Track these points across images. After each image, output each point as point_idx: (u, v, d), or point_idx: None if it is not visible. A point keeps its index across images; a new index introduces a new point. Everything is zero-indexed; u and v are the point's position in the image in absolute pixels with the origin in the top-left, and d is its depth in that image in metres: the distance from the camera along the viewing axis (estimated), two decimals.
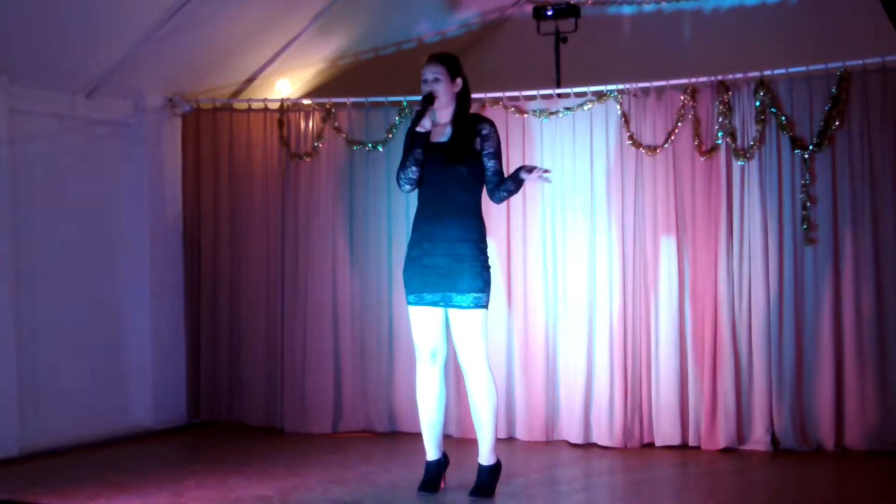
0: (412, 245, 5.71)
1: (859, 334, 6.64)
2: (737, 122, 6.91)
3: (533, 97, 7.43)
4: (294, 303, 7.75)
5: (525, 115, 7.38)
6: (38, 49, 6.72)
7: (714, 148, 6.95)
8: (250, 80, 8.16)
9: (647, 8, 8.64)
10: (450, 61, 5.69)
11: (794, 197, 6.79)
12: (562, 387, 7.26)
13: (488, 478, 5.70)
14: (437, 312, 5.66)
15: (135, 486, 5.95)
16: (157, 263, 7.79)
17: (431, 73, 5.64)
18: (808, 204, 6.74)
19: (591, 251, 7.19)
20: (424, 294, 5.63)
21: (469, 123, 5.67)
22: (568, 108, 7.29)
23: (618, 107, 7.16)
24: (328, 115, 7.76)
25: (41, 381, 7.06)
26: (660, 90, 7.12)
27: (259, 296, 7.91)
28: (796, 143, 6.77)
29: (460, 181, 5.61)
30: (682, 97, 7.03)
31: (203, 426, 7.95)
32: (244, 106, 7.99)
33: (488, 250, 5.74)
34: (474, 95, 7.36)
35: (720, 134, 6.93)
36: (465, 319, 5.57)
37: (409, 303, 5.72)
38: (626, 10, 8.71)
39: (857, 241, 6.67)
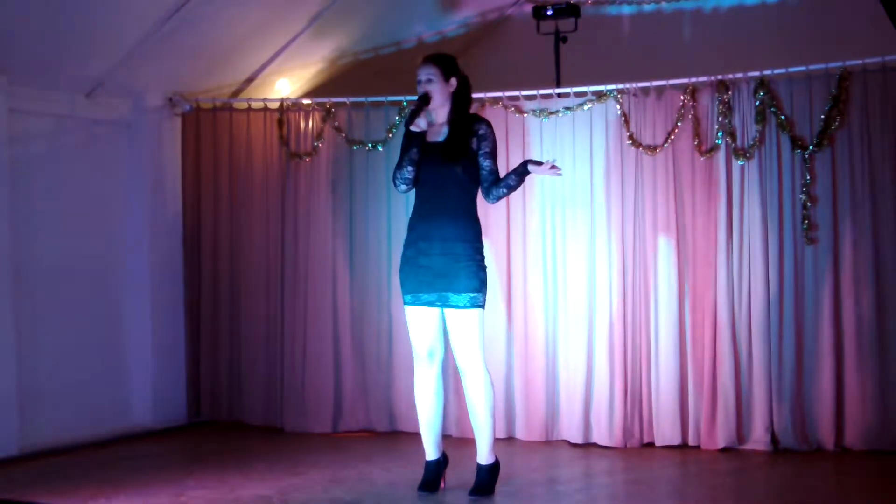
0: (408, 245, 5.72)
1: (859, 334, 6.64)
2: (737, 122, 6.91)
3: (533, 97, 7.43)
4: (294, 302, 7.76)
5: (525, 115, 7.38)
6: (38, 49, 6.72)
7: (714, 148, 6.95)
8: (250, 80, 8.16)
9: (647, 7, 8.64)
10: (444, 62, 5.69)
11: (794, 197, 6.79)
12: (562, 386, 7.26)
13: (487, 477, 5.70)
14: (433, 312, 5.66)
15: (135, 486, 5.96)
16: (157, 263, 7.79)
17: (424, 74, 5.65)
18: (808, 204, 6.74)
19: (591, 251, 7.20)
20: (421, 294, 5.63)
21: (466, 123, 5.68)
22: (568, 108, 7.29)
23: (617, 106, 7.16)
24: (328, 114, 7.76)
25: (41, 381, 7.06)
26: (659, 90, 7.12)
27: (259, 295, 7.91)
28: (796, 142, 6.77)
29: (456, 181, 5.61)
30: (681, 97, 7.03)
31: (203, 426, 7.95)
32: (244, 105, 7.99)
33: (484, 250, 5.73)
34: (474, 95, 7.37)
35: (720, 134, 6.93)
36: (461, 319, 5.57)
37: (405, 303, 5.72)
38: (626, 9, 8.71)
39: (857, 241, 6.67)
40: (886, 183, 6.64)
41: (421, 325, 5.68)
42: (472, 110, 7.32)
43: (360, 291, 7.71)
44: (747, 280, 6.86)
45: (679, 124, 7.02)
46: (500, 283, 7.38)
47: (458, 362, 5.66)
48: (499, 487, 5.74)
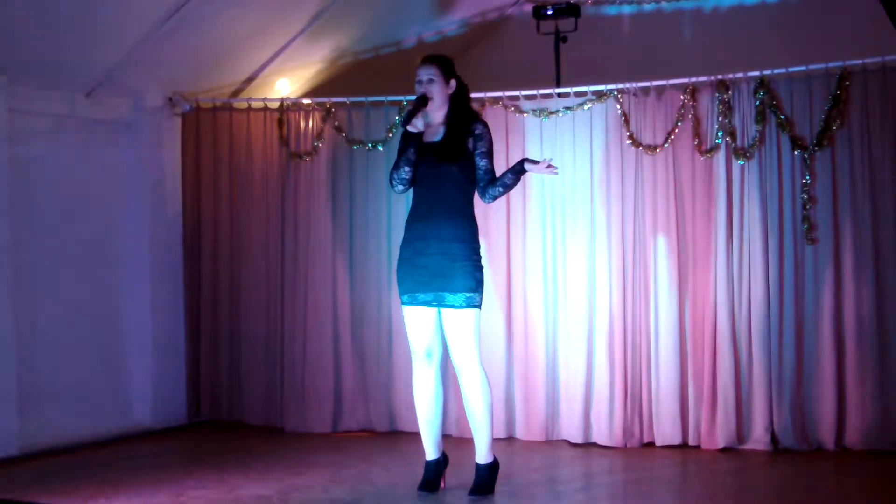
0: (405, 244, 5.73)
1: (859, 333, 6.64)
2: (737, 122, 6.91)
3: (533, 97, 7.43)
4: (294, 302, 7.75)
5: (525, 115, 7.38)
6: (38, 49, 6.72)
7: (714, 147, 6.95)
8: (250, 80, 8.16)
9: (647, 7, 8.64)
10: (444, 63, 5.71)
11: (794, 197, 6.79)
12: (562, 386, 7.26)
13: (487, 476, 5.70)
14: (430, 312, 5.67)
15: (135, 486, 5.96)
16: (157, 263, 7.79)
17: (426, 74, 5.66)
18: (808, 204, 6.74)
19: (591, 251, 7.20)
20: (417, 294, 5.64)
21: (462, 123, 5.69)
22: (568, 108, 7.29)
23: (617, 106, 7.16)
24: (328, 114, 7.76)
25: (41, 381, 7.06)
26: (660, 90, 7.12)
27: (259, 295, 7.91)
28: (796, 142, 6.77)
29: (453, 181, 5.62)
30: (681, 97, 7.03)
31: (203, 426, 7.95)
32: (244, 105, 7.99)
33: (484, 250, 5.74)
34: (474, 95, 7.36)
35: (720, 133, 6.93)
36: (457, 319, 5.57)
37: (403, 303, 5.73)
38: (626, 9, 8.71)
39: (857, 241, 6.67)
40: (886, 183, 6.64)
41: (419, 324, 5.69)
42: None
43: (360, 291, 7.71)
44: (747, 280, 6.86)
45: (679, 124, 7.02)
46: (500, 283, 7.38)
47: (454, 362, 5.66)
48: (499, 487, 5.74)
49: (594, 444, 7.10)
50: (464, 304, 5.57)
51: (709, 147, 6.97)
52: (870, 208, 6.65)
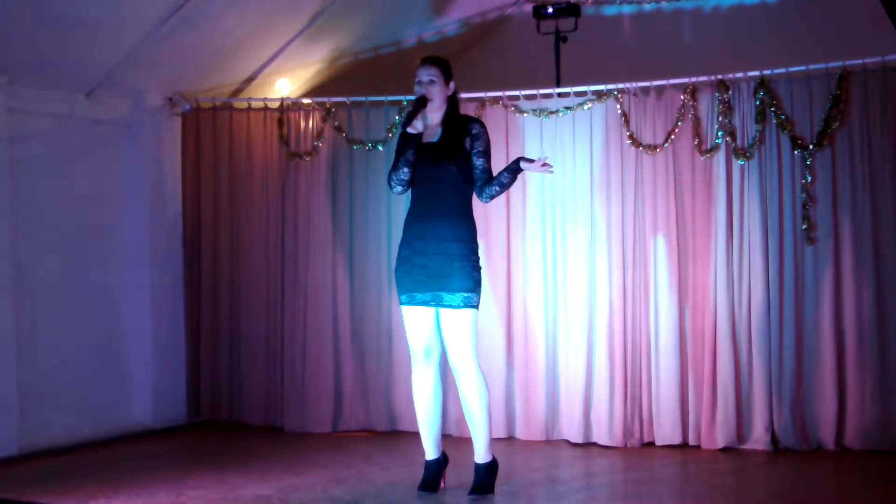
0: (403, 244, 5.73)
1: (859, 333, 6.64)
2: (737, 122, 6.91)
3: (533, 96, 7.43)
4: (294, 302, 7.75)
5: (525, 115, 7.38)
6: (38, 49, 6.72)
7: (714, 147, 6.94)
8: (250, 80, 8.16)
9: (647, 7, 8.64)
10: (444, 64, 5.74)
11: (794, 197, 6.79)
12: (562, 386, 7.26)
13: (486, 475, 5.70)
14: (429, 312, 5.67)
15: (135, 486, 5.95)
16: (157, 263, 7.79)
17: (427, 75, 5.67)
18: (809, 203, 6.74)
19: (591, 250, 7.20)
20: (416, 293, 5.65)
21: (459, 124, 5.70)
22: (568, 108, 7.29)
23: (618, 106, 7.16)
24: (328, 114, 7.76)
25: (41, 381, 7.06)
26: (660, 89, 7.12)
27: (259, 295, 7.91)
28: (796, 142, 6.77)
29: (451, 181, 5.63)
30: (681, 96, 7.03)
31: (203, 425, 7.95)
32: (244, 105, 7.99)
33: (484, 250, 5.74)
34: (474, 95, 7.41)
35: (720, 133, 6.93)
36: (455, 319, 5.58)
37: (401, 302, 5.74)
38: (626, 9, 8.71)
39: (857, 241, 6.67)
40: (886, 183, 6.64)
41: (417, 324, 5.69)
42: (473, 109, 7.38)
43: (360, 291, 7.71)
44: (747, 280, 6.86)
45: (679, 124, 7.02)
46: (499, 282, 7.38)
47: (451, 362, 5.67)
48: (498, 487, 5.74)
49: (594, 444, 7.10)
50: (461, 304, 5.57)
51: (709, 147, 6.97)
52: (870, 208, 6.65)
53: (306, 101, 7.87)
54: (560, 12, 8.16)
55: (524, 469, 6.40)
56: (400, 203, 7.52)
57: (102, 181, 7.58)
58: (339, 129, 7.74)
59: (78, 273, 7.37)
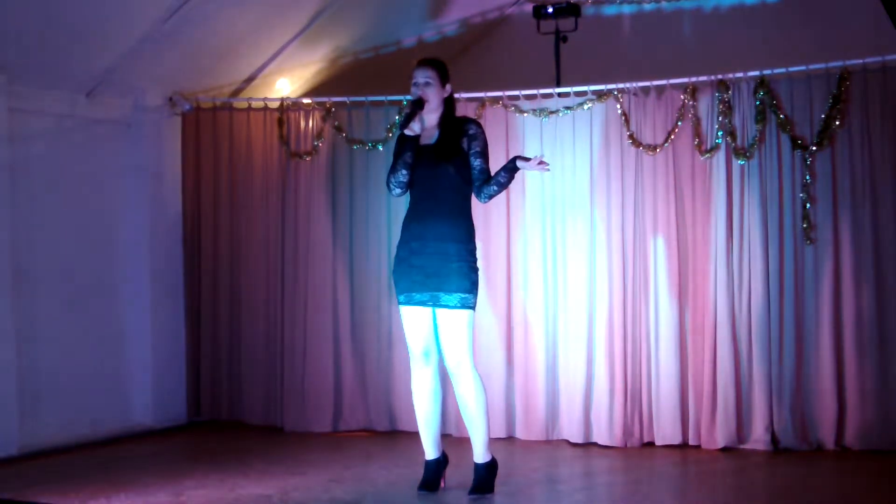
0: (402, 244, 5.74)
1: (859, 333, 6.64)
2: (737, 122, 6.91)
3: (533, 96, 7.43)
4: (294, 301, 7.75)
5: (525, 115, 7.38)
6: (38, 49, 6.72)
7: (714, 147, 6.94)
8: (250, 80, 8.16)
9: (647, 7, 8.64)
10: (441, 66, 5.76)
11: (794, 196, 6.79)
12: (562, 386, 7.26)
13: (485, 475, 5.70)
14: (427, 312, 5.68)
15: (135, 486, 5.95)
16: (157, 263, 7.79)
17: (423, 76, 5.68)
18: (808, 203, 6.74)
19: (591, 250, 7.19)
20: (414, 293, 5.65)
21: (456, 125, 5.71)
22: (568, 108, 7.29)
23: (618, 106, 7.16)
24: (328, 114, 7.76)
25: (41, 381, 7.06)
26: (660, 89, 7.11)
27: (259, 295, 7.91)
28: (796, 142, 6.77)
29: (449, 182, 5.64)
30: (682, 96, 7.03)
31: (203, 425, 7.95)
32: (244, 105, 7.99)
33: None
34: (474, 95, 7.41)
35: (720, 133, 6.93)
36: (451, 319, 5.58)
37: (399, 302, 5.74)
38: (626, 9, 8.71)
39: (857, 240, 6.67)
40: (886, 183, 6.63)
41: (415, 324, 5.70)
42: (473, 109, 7.39)
43: (359, 291, 7.71)
44: (747, 280, 6.86)
45: (679, 124, 7.02)
46: (500, 282, 7.38)
47: (446, 363, 5.66)
48: (498, 487, 5.74)
49: (594, 444, 7.10)
50: (458, 305, 5.58)
51: (709, 147, 6.97)
52: (870, 208, 6.65)
53: (306, 101, 7.87)
54: (560, 12, 8.16)
55: (524, 469, 6.40)
56: (400, 203, 7.51)
57: (102, 181, 7.58)
58: (339, 129, 7.74)
59: (78, 273, 7.37)
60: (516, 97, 7.43)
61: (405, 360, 7.38)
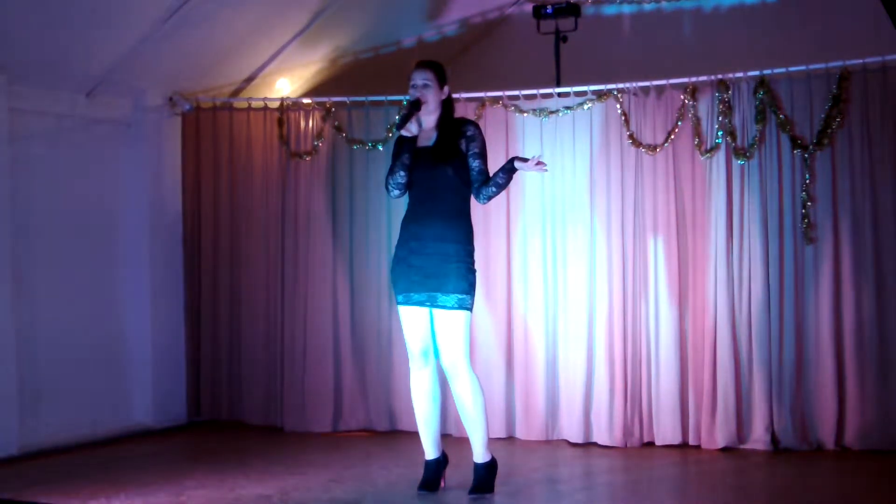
0: (400, 244, 5.75)
1: (859, 333, 6.64)
2: (737, 122, 6.91)
3: (533, 96, 7.43)
4: (294, 301, 7.75)
5: (525, 115, 7.38)
6: (38, 48, 6.72)
7: (714, 147, 6.94)
8: (250, 79, 8.16)
9: (647, 7, 8.63)
10: (439, 68, 5.77)
11: (794, 196, 6.79)
12: (562, 386, 7.26)
13: (485, 474, 5.71)
14: (424, 312, 5.68)
15: (135, 485, 5.96)
16: (157, 263, 7.79)
17: (422, 78, 5.69)
18: (808, 203, 6.74)
19: (591, 250, 7.19)
20: (412, 294, 5.66)
21: (454, 126, 5.72)
22: (568, 108, 7.29)
23: (618, 106, 7.16)
24: (328, 114, 7.76)
25: (41, 381, 7.06)
26: (660, 89, 7.11)
27: (259, 295, 7.91)
28: (796, 142, 6.77)
29: (448, 183, 5.65)
30: (682, 96, 7.03)
31: (203, 425, 7.95)
32: (244, 105, 7.99)
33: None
34: (474, 95, 7.41)
35: (720, 133, 6.93)
36: (448, 320, 5.59)
37: (398, 302, 5.75)
38: (626, 9, 8.70)
39: (857, 240, 6.67)
40: (886, 182, 6.63)
41: (414, 324, 5.70)
42: (473, 109, 7.39)
43: (359, 291, 7.71)
44: (747, 280, 6.86)
45: (679, 124, 7.02)
46: (500, 282, 7.38)
47: (442, 364, 5.67)
48: (499, 487, 5.74)
49: (594, 444, 7.10)
50: (455, 306, 5.58)
51: (709, 147, 6.97)
52: (870, 208, 6.65)
53: (306, 100, 7.87)
54: (560, 12, 8.15)
55: (524, 469, 6.40)
56: (400, 203, 7.46)
57: (102, 181, 7.58)
58: (339, 128, 7.74)
59: (78, 273, 7.37)
60: (516, 97, 7.43)
61: (405, 360, 7.37)
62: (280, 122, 7.84)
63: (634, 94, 7.14)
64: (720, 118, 6.92)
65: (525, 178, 7.25)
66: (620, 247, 7.12)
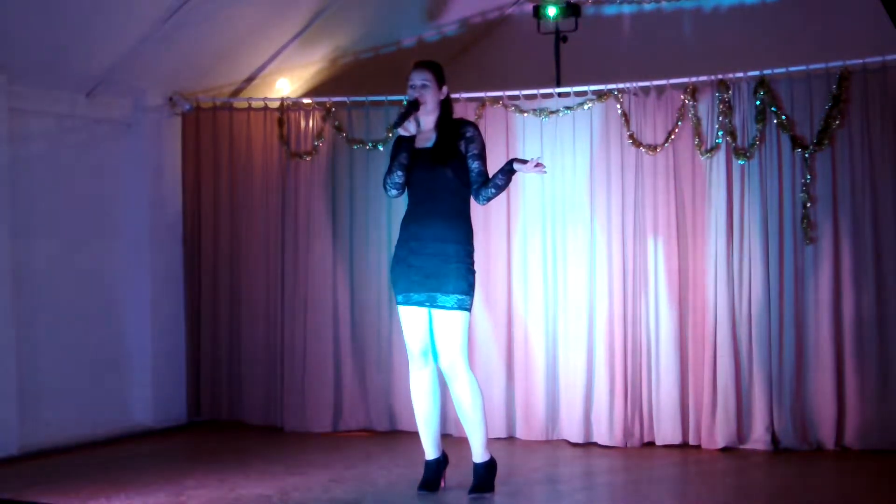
0: (400, 244, 5.75)
1: (859, 333, 6.64)
2: (737, 122, 6.91)
3: (533, 96, 7.43)
4: (294, 301, 7.75)
5: (525, 115, 7.38)
6: (38, 48, 6.72)
7: (714, 147, 6.94)
8: (250, 79, 8.16)
9: (647, 7, 8.63)
10: (437, 68, 5.77)
11: (794, 196, 6.79)
12: (562, 386, 7.25)
13: (485, 474, 5.71)
14: (424, 312, 5.69)
15: (135, 485, 5.96)
16: (158, 263, 7.79)
17: (420, 78, 5.69)
18: (808, 203, 6.74)
19: (591, 250, 7.19)
20: (411, 294, 5.66)
21: (453, 127, 5.72)
22: (568, 108, 7.29)
23: (618, 106, 7.16)
24: (328, 114, 7.76)
25: (41, 381, 7.06)
26: (660, 89, 7.11)
27: (259, 294, 7.91)
28: (796, 142, 6.77)
29: (447, 184, 5.65)
30: (682, 96, 7.03)
31: (203, 425, 7.95)
32: (244, 105, 7.99)
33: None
34: (474, 95, 7.41)
35: (720, 133, 6.93)
36: (447, 320, 5.59)
37: (398, 302, 5.76)
38: (627, 9, 8.70)
39: (857, 240, 6.67)
40: (886, 182, 6.63)
41: (414, 324, 5.71)
42: (473, 109, 7.38)
43: (359, 291, 7.71)
44: (747, 280, 6.86)
45: (679, 124, 7.02)
46: (500, 282, 7.38)
47: (440, 364, 5.67)
48: (499, 487, 5.74)
49: (594, 444, 7.10)
50: (454, 306, 5.59)
51: (709, 147, 6.97)
52: (870, 208, 6.65)
53: (306, 100, 7.87)
54: (560, 13, 8.15)
55: (524, 469, 6.40)
56: (400, 203, 7.47)
57: (102, 181, 7.58)
58: (339, 128, 7.74)
59: (78, 273, 7.37)
60: (516, 97, 7.43)
61: (405, 360, 7.36)
62: (280, 122, 7.84)
63: (634, 94, 7.14)
64: (720, 118, 6.92)
65: (525, 178, 7.25)
66: (620, 247, 7.12)
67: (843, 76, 6.67)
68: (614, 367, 7.07)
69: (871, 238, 6.64)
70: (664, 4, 8.59)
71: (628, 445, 7.02)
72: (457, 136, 5.69)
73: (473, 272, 5.69)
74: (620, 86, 7.16)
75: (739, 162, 6.89)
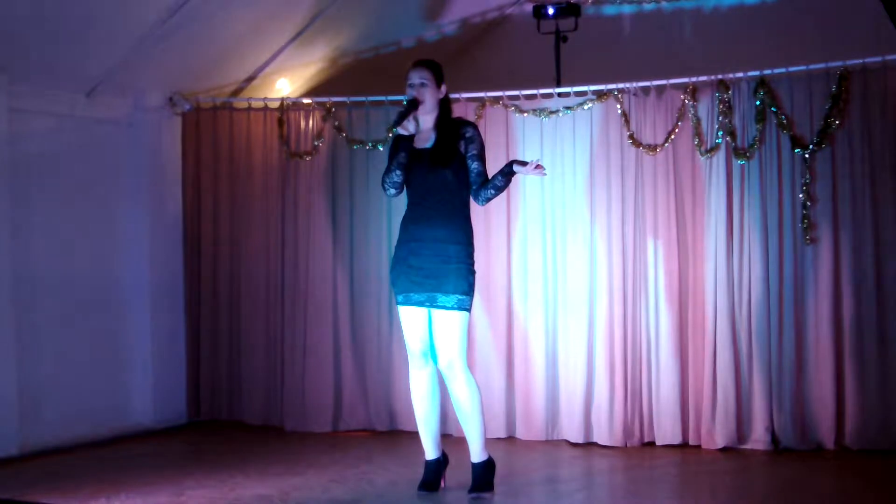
0: (400, 244, 5.76)
1: (859, 333, 6.64)
2: (737, 122, 6.91)
3: (533, 96, 7.43)
4: (294, 301, 7.75)
5: (525, 115, 7.38)
6: (38, 48, 6.72)
7: (714, 147, 6.94)
8: (250, 79, 8.16)
9: (647, 7, 8.63)
10: (436, 67, 5.77)
11: (794, 196, 6.79)
12: (562, 386, 7.26)
13: (484, 473, 5.72)
14: (424, 312, 5.70)
15: (135, 485, 5.96)
16: (157, 263, 7.79)
17: (419, 77, 5.69)
18: (808, 203, 6.74)
19: (591, 250, 7.19)
20: (411, 294, 5.67)
21: (452, 127, 5.72)
22: (568, 108, 7.29)
23: (618, 106, 7.16)
24: (328, 114, 7.76)
25: (41, 381, 7.06)
26: (660, 89, 7.12)
27: (259, 294, 7.91)
28: (796, 142, 6.77)
29: (446, 185, 5.66)
30: (682, 96, 7.03)
31: (203, 425, 7.95)
32: (244, 105, 7.99)
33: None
34: (474, 95, 7.41)
35: (720, 133, 6.93)
36: (446, 320, 5.59)
37: (398, 302, 5.76)
38: (627, 9, 8.70)
39: (857, 240, 6.67)
40: (886, 182, 6.63)
41: (414, 324, 5.71)
42: (473, 109, 7.38)
43: (359, 291, 7.71)
44: (747, 280, 6.86)
45: (679, 124, 7.02)
46: (500, 283, 7.38)
47: (439, 364, 5.68)
48: (499, 487, 5.74)
49: (594, 444, 7.10)
50: (454, 306, 5.59)
51: (709, 147, 6.97)
52: (870, 208, 6.65)
53: (306, 100, 7.88)
54: (560, 12, 8.15)
55: (524, 469, 6.40)
56: (400, 203, 7.46)
57: (102, 181, 7.58)
58: (339, 128, 7.74)
59: (78, 273, 7.37)
60: (516, 97, 7.43)
61: (405, 360, 7.36)
62: (280, 122, 7.84)
63: (634, 94, 7.14)
64: (720, 118, 6.92)
65: (525, 178, 7.25)
66: (620, 247, 7.12)
67: (843, 76, 6.67)
68: (614, 367, 7.07)
69: (871, 238, 6.64)
70: (664, 4, 8.59)
71: (628, 445, 7.02)
72: (456, 136, 5.69)
73: (474, 272, 5.69)
74: (620, 86, 7.16)
75: (739, 162, 6.89)
